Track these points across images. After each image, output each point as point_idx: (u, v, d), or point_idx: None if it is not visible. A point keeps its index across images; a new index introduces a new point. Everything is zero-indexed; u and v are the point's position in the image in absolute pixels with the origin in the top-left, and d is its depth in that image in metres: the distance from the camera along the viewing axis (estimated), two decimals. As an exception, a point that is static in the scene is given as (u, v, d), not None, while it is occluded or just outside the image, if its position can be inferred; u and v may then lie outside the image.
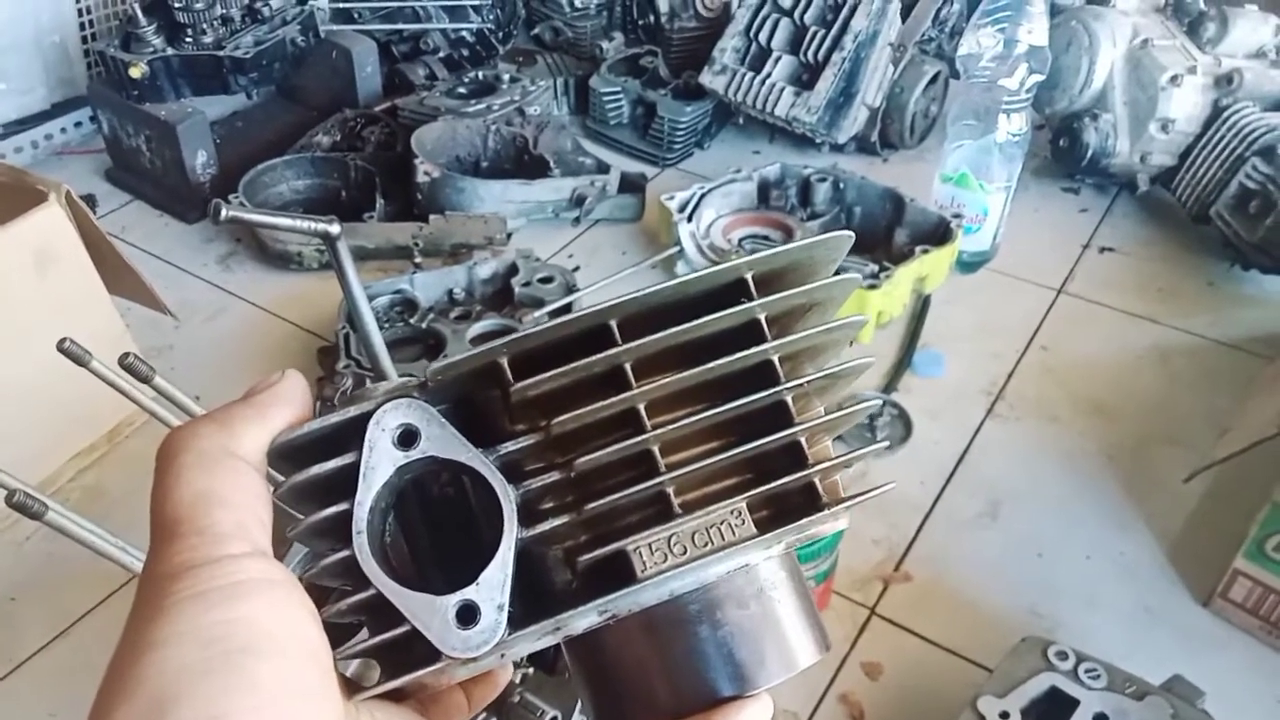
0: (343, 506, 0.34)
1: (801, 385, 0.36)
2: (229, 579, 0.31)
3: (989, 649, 1.08)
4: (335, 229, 0.88)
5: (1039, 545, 1.25)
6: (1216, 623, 1.17)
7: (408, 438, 0.34)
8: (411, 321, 1.49)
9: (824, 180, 1.72)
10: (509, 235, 1.69)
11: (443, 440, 0.34)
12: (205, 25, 1.76)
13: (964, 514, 1.29)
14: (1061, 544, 1.25)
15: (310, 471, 0.34)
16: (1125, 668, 0.97)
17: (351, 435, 0.34)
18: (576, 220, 1.79)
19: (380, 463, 0.34)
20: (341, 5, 2.02)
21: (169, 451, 0.33)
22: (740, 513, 0.35)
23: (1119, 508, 1.30)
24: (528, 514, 0.34)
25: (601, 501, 0.34)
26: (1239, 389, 1.44)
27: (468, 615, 0.33)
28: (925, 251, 1.57)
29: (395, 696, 0.36)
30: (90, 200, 1.80)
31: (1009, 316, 1.61)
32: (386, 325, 1.48)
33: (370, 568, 0.33)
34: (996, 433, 1.41)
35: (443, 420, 0.34)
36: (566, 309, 1.51)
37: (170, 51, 1.75)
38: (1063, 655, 0.98)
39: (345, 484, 0.34)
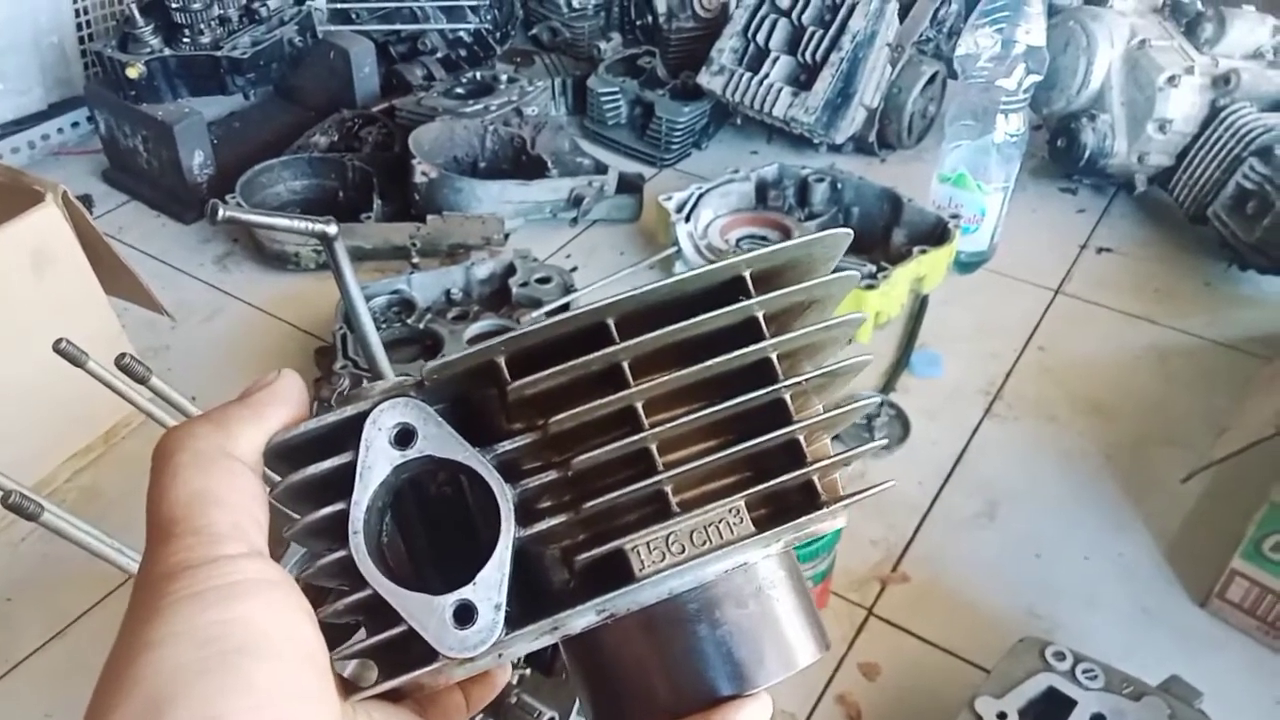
0: (339, 506, 0.33)
1: (800, 383, 0.35)
2: (225, 579, 0.31)
3: (987, 649, 1.08)
4: (333, 229, 0.88)
5: (1037, 545, 1.25)
6: (1214, 623, 1.17)
7: (404, 437, 0.34)
8: (409, 322, 1.49)
9: (822, 180, 1.72)
10: (506, 236, 1.69)
11: (440, 439, 0.34)
12: (203, 26, 1.76)
13: (962, 514, 1.29)
14: (1059, 544, 1.25)
15: (306, 471, 0.34)
16: (1123, 668, 0.97)
17: (348, 435, 0.34)
18: (574, 221, 1.78)
19: (377, 462, 0.33)
20: (339, 6, 2.02)
21: (165, 451, 0.33)
22: (738, 511, 0.35)
23: (1117, 508, 1.30)
24: (525, 513, 0.34)
25: (599, 500, 0.34)
26: (1236, 389, 1.44)
27: (465, 615, 0.33)
28: (923, 252, 1.57)
29: (393, 697, 0.36)
30: (87, 201, 1.79)
31: (1007, 317, 1.61)
32: (384, 326, 1.48)
33: (367, 568, 0.33)
34: (994, 433, 1.41)
35: (440, 419, 0.34)
36: (564, 309, 1.51)
37: (168, 52, 1.74)
38: (1060, 656, 0.97)
39: (342, 484, 0.34)
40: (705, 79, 1.91)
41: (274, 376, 0.36)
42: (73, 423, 1.33)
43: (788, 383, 0.35)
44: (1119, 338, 1.58)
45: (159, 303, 1.42)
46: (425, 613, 0.33)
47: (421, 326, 1.48)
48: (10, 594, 1.20)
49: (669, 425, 0.34)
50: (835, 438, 0.40)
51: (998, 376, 1.50)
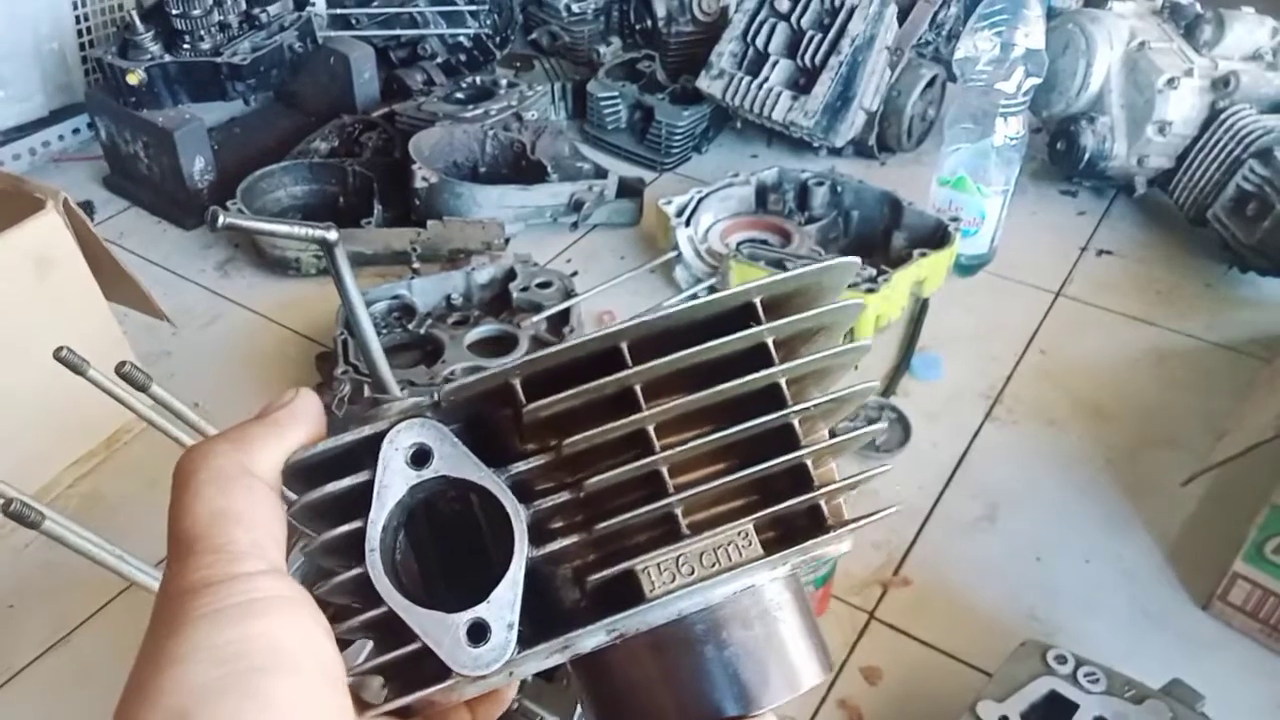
0: (356, 525, 0.34)
1: (808, 408, 0.36)
2: (245, 596, 0.31)
3: (988, 653, 1.08)
4: (333, 235, 0.88)
5: (1038, 549, 1.26)
6: (1216, 626, 1.17)
7: (421, 457, 0.34)
8: (409, 327, 1.49)
9: (821, 184, 1.72)
10: (507, 240, 1.69)
11: (455, 460, 0.34)
12: (203, 32, 1.76)
13: (963, 517, 1.30)
14: (1060, 547, 1.26)
15: (325, 490, 0.34)
16: (1124, 671, 0.97)
17: (365, 454, 0.34)
18: (574, 225, 1.79)
19: (393, 481, 0.34)
20: (339, 11, 2.02)
21: (186, 470, 0.34)
22: (747, 534, 0.35)
23: (1117, 511, 1.30)
24: (538, 533, 0.34)
25: (611, 522, 0.34)
26: (1237, 391, 1.44)
27: (478, 633, 0.33)
28: (923, 255, 1.57)
29: (403, 713, 0.36)
30: (88, 207, 1.80)
31: (1007, 319, 1.62)
32: (384, 331, 1.48)
33: (383, 585, 0.33)
34: (995, 436, 1.41)
35: (455, 440, 0.34)
36: (564, 314, 1.52)
37: (168, 58, 1.75)
38: (1062, 659, 0.98)
39: (358, 502, 0.34)
40: (705, 83, 1.92)
41: (292, 395, 0.36)
42: (74, 429, 1.33)
43: (796, 408, 0.35)
44: (1119, 340, 1.58)
45: (160, 309, 1.42)
46: (439, 630, 0.33)
47: (422, 332, 1.49)
48: (12, 600, 1.20)
49: (680, 449, 0.35)
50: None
51: (998, 379, 1.50)
